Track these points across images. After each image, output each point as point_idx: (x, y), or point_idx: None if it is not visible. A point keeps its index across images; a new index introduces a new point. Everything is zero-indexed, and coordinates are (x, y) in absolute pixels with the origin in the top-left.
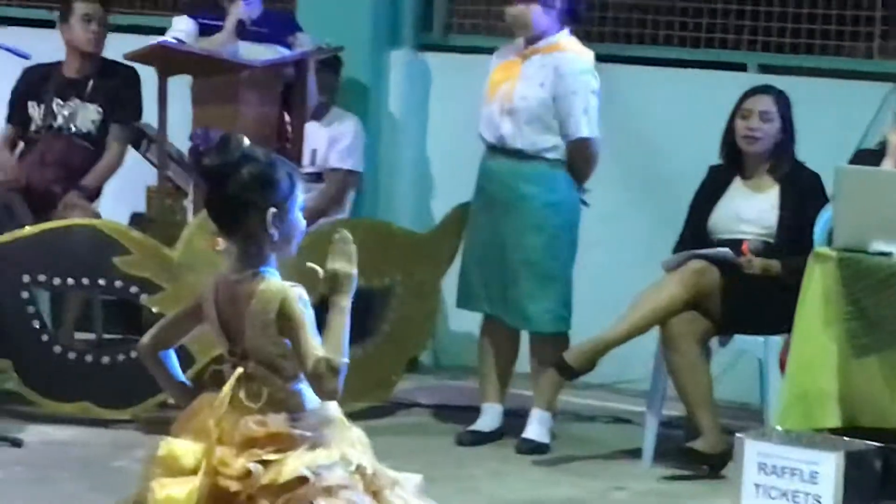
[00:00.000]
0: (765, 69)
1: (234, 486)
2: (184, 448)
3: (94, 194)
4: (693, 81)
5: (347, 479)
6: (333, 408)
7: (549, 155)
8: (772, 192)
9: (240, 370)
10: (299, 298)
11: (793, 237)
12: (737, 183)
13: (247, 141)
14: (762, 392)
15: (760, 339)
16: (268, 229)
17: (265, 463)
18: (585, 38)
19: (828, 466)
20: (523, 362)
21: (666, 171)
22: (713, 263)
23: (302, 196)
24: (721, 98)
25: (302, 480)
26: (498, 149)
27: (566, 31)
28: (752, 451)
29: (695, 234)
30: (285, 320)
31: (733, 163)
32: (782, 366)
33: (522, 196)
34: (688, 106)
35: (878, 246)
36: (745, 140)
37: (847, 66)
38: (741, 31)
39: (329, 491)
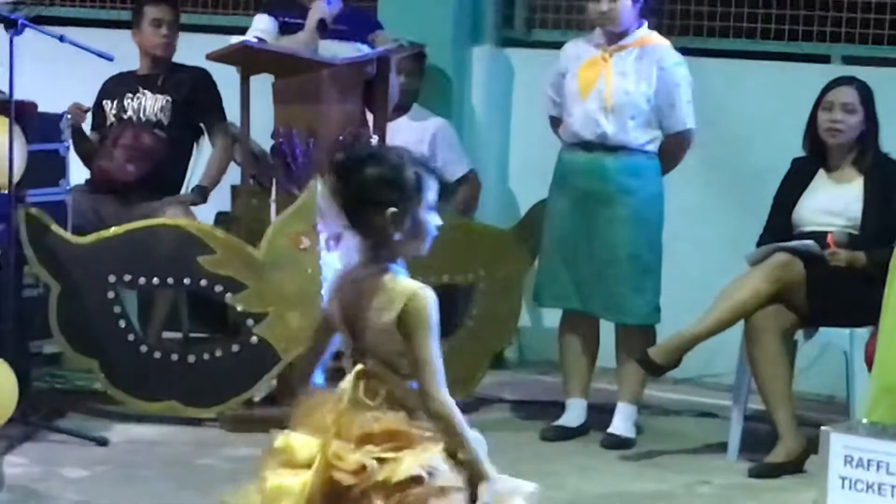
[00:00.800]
0: (848, 60)
1: (347, 480)
2: (301, 441)
3: (205, 195)
4: (776, 74)
5: (459, 480)
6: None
7: (650, 147)
8: (856, 184)
9: (359, 366)
10: (427, 300)
11: (878, 229)
12: (821, 175)
13: (376, 140)
14: (848, 385)
15: (846, 331)
16: (387, 228)
17: (381, 460)
18: (668, 31)
19: None
20: (605, 357)
21: (750, 164)
22: (798, 256)
23: (433, 196)
24: (804, 90)
25: (417, 480)
26: (597, 145)
27: (646, 24)
28: (838, 444)
29: (779, 226)
30: (408, 320)
31: (817, 155)
32: (868, 359)
33: (626, 190)
34: (771, 98)
35: None
36: (827, 132)
37: None
38: (824, 22)
39: (443, 492)
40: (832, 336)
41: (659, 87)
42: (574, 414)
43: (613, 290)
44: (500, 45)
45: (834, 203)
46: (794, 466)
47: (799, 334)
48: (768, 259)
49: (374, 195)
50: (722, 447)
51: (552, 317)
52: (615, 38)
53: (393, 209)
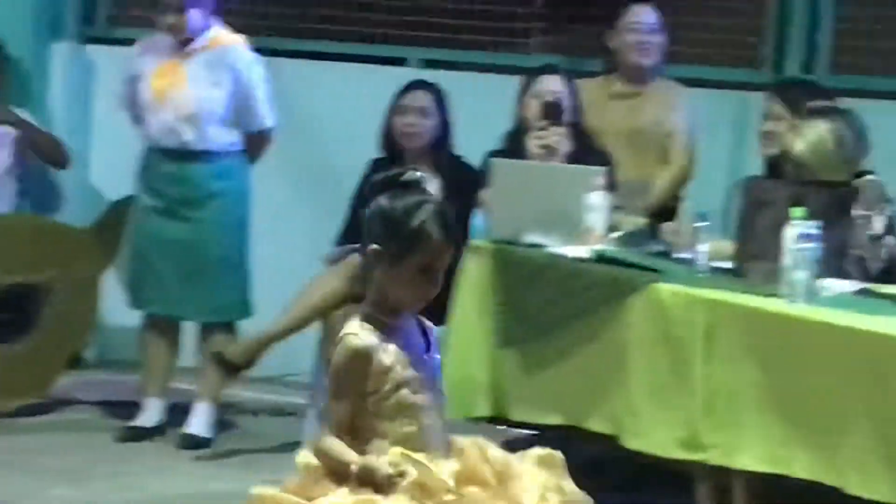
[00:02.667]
0: (427, 64)
1: None
2: None
3: None
4: (356, 76)
5: None
6: None
7: (233, 148)
8: (432, 186)
9: None
10: (343, 347)
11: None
12: None
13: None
14: None
15: None
16: (369, 263)
17: None
18: (246, 31)
19: None
20: (188, 356)
21: (330, 164)
22: None
23: (434, 260)
24: (384, 92)
25: None
26: (180, 153)
27: (217, 23)
28: None
29: (356, 227)
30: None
31: (393, 156)
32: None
33: (213, 194)
34: (351, 100)
35: (531, 238)
36: (403, 136)
37: (506, 62)
38: (402, 26)
39: None
40: None
41: (234, 88)
42: (150, 414)
43: (200, 290)
44: (81, 41)
45: None
46: None
47: None
48: (345, 259)
49: (371, 224)
50: (299, 446)
51: (133, 316)
52: (186, 43)
53: (377, 247)
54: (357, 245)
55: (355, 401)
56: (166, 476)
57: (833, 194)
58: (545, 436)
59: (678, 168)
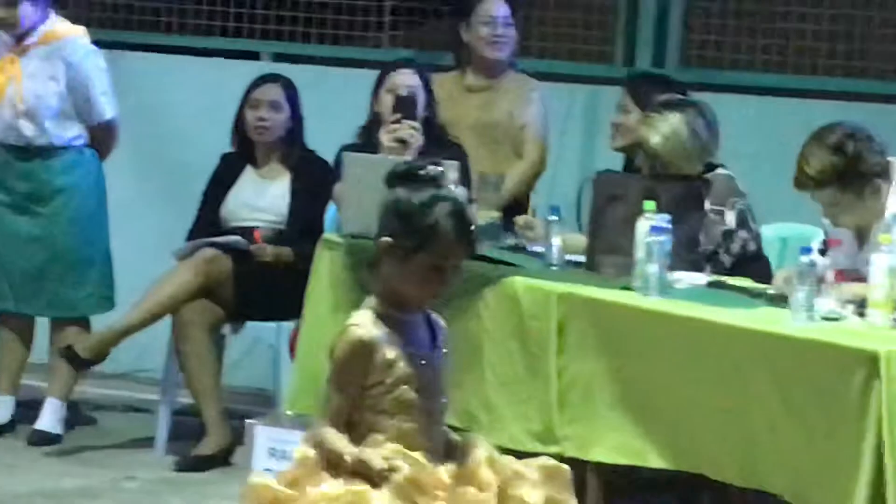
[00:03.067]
0: (279, 58)
1: None
2: None
3: None
4: (209, 70)
5: None
6: None
7: (78, 142)
8: (283, 180)
9: None
10: (346, 337)
11: (304, 224)
12: (249, 171)
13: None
14: (275, 378)
15: (273, 325)
16: (379, 254)
17: None
18: (88, 24)
19: None
20: (40, 352)
21: (182, 159)
22: (225, 251)
23: (447, 258)
24: (236, 87)
25: None
26: (24, 149)
27: (55, 15)
28: (263, 436)
29: (207, 222)
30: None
31: (245, 151)
32: (293, 351)
33: (62, 189)
34: (203, 94)
35: None
36: (255, 130)
37: (358, 56)
38: (255, 20)
39: None
40: (260, 330)
41: (70, 82)
42: (0, 411)
43: (51, 286)
44: None
45: (261, 199)
46: (221, 459)
47: (227, 328)
48: (196, 254)
49: (384, 217)
50: (151, 442)
51: None
52: (21, 38)
53: (388, 239)
54: (208, 240)
55: (355, 393)
56: (16, 473)
57: (685, 187)
58: None
59: (531, 162)
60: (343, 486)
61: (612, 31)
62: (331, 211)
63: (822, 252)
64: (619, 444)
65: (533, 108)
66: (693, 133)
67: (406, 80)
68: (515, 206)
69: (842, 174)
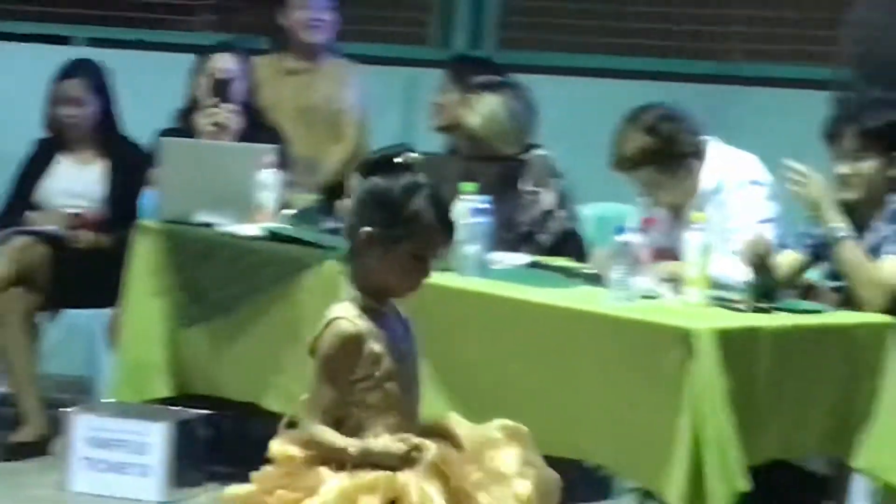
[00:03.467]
0: (92, 42)
1: None
2: None
3: None
4: (19, 55)
5: None
6: None
7: None
8: (99, 166)
9: None
10: (331, 329)
11: (121, 210)
12: (64, 156)
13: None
14: (93, 366)
15: (90, 312)
16: (360, 247)
17: None
18: None
19: (156, 436)
20: None
21: None
22: (39, 238)
23: (434, 246)
24: (48, 72)
25: None
26: None
27: None
28: (82, 425)
29: (21, 208)
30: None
31: (59, 136)
32: (113, 338)
33: None
34: (14, 80)
35: (201, 217)
36: (64, 125)
37: (173, 40)
38: (66, 3)
39: None
40: (77, 317)
41: None
42: None
43: None
44: None
45: (76, 184)
46: (39, 449)
47: (43, 316)
48: (9, 241)
49: (362, 206)
50: None
51: None
52: None
53: (369, 229)
54: (20, 228)
55: (345, 387)
56: None
57: (502, 168)
58: (224, 415)
59: (350, 145)
60: (358, 476)
61: (428, 13)
62: (147, 197)
63: (639, 231)
64: None
65: (351, 91)
66: (511, 114)
67: (224, 63)
68: (335, 189)
69: (656, 155)
